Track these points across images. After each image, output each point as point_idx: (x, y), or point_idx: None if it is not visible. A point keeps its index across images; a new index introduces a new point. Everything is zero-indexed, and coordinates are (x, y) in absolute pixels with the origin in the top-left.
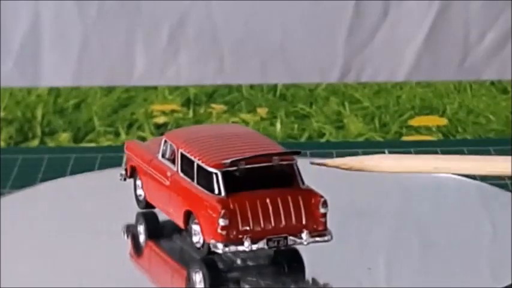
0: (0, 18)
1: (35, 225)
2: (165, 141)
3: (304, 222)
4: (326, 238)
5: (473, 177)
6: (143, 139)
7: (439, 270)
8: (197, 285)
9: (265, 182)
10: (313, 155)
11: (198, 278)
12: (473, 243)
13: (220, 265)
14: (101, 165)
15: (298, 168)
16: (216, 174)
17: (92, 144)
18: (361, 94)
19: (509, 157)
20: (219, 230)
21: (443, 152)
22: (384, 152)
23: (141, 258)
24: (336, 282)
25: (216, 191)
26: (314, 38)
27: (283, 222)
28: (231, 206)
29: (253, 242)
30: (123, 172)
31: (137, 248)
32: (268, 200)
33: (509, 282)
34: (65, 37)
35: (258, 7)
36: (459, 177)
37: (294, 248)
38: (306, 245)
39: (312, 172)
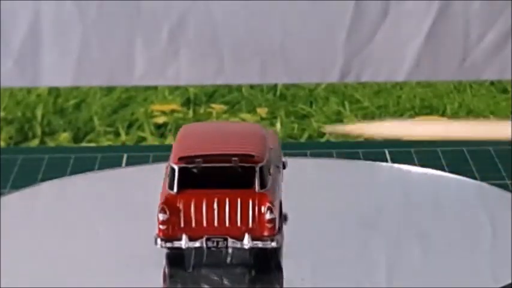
0: (0, 18)
1: (35, 225)
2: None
3: (250, 225)
4: (271, 244)
5: (473, 177)
6: (143, 139)
7: (439, 270)
8: (157, 281)
9: (223, 182)
10: (313, 155)
11: (159, 274)
12: (473, 243)
13: (188, 262)
14: (101, 165)
15: (261, 172)
16: (174, 169)
17: (92, 144)
18: (361, 94)
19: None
20: (159, 225)
21: (444, 152)
22: (384, 153)
23: None
24: (335, 283)
25: (172, 187)
26: (314, 38)
27: (227, 224)
28: (177, 202)
29: (191, 239)
30: None
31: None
32: (215, 200)
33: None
34: (65, 37)
35: (258, 7)
36: (459, 177)
37: (274, 251)
38: (247, 249)
39: (310, 169)
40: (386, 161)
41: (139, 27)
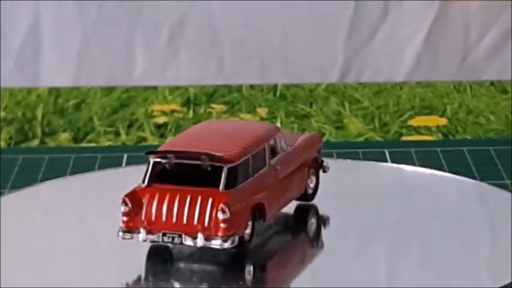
0: (0, 18)
1: (35, 225)
2: None
3: (205, 225)
4: (223, 245)
5: (473, 177)
6: (143, 139)
7: (438, 270)
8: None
9: (194, 180)
10: None
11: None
12: (473, 243)
13: (169, 258)
14: (101, 165)
15: (229, 172)
16: (149, 163)
17: (92, 144)
18: (361, 94)
19: None
20: (122, 217)
21: (443, 152)
22: (384, 153)
23: None
24: (333, 282)
25: (143, 180)
26: (314, 38)
27: (184, 221)
28: (141, 195)
29: (149, 233)
30: None
31: None
32: (177, 197)
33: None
34: (65, 37)
35: (258, 7)
36: (459, 177)
37: (254, 251)
38: (199, 247)
39: None
40: (386, 161)
41: (139, 27)
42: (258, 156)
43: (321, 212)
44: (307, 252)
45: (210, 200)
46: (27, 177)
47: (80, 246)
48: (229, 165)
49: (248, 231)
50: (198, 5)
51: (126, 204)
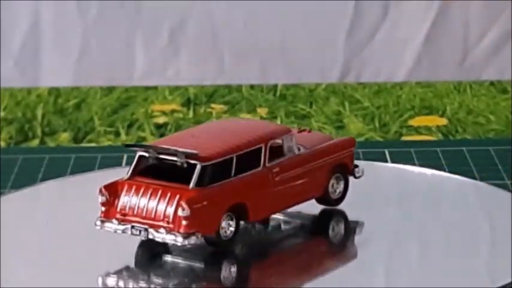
0: (0, 18)
1: (35, 225)
2: None
3: (170, 220)
4: (183, 241)
5: (473, 177)
6: (143, 139)
7: (438, 270)
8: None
9: (173, 176)
10: None
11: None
12: (472, 243)
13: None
14: (101, 165)
15: (203, 170)
16: (134, 157)
17: (92, 144)
18: (361, 94)
19: None
20: (100, 207)
21: (443, 152)
22: (384, 153)
23: None
24: (333, 282)
25: (127, 172)
26: (314, 38)
27: (152, 215)
28: (118, 187)
29: (120, 224)
30: None
31: None
32: (150, 191)
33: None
34: (65, 37)
35: (258, 7)
36: (459, 177)
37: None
38: (161, 242)
39: None
40: (386, 161)
41: (139, 27)
42: (248, 157)
43: (319, 211)
44: (296, 255)
45: (177, 197)
46: (27, 177)
47: (80, 246)
48: (203, 164)
49: (228, 230)
50: (198, 5)
51: (102, 195)
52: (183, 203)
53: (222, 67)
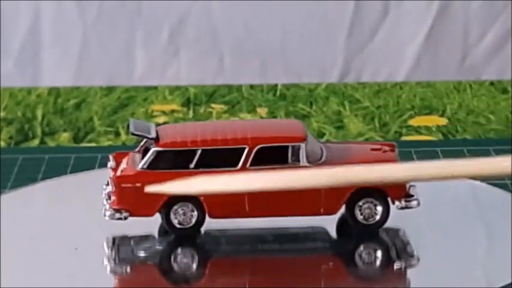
0: (0, 18)
1: (35, 224)
2: None
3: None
4: (112, 216)
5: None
6: None
7: (438, 270)
8: None
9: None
10: None
11: None
12: (473, 243)
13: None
14: (101, 165)
15: (155, 154)
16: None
17: (92, 144)
18: (361, 94)
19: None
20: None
21: (443, 152)
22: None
23: None
24: (332, 282)
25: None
26: (314, 38)
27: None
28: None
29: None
30: None
31: None
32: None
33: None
34: (65, 37)
35: (258, 7)
36: None
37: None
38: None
39: None
40: None
41: (139, 27)
42: (222, 154)
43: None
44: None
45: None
46: (27, 177)
47: (80, 246)
48: (157, 148)
49: (190, 222)
50: (198, 5)
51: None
52: (111, 180)
53: (222, 67)
